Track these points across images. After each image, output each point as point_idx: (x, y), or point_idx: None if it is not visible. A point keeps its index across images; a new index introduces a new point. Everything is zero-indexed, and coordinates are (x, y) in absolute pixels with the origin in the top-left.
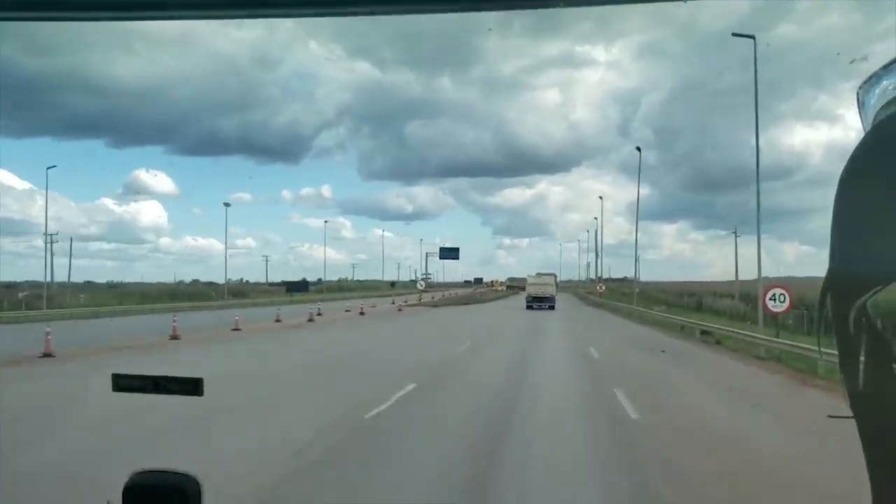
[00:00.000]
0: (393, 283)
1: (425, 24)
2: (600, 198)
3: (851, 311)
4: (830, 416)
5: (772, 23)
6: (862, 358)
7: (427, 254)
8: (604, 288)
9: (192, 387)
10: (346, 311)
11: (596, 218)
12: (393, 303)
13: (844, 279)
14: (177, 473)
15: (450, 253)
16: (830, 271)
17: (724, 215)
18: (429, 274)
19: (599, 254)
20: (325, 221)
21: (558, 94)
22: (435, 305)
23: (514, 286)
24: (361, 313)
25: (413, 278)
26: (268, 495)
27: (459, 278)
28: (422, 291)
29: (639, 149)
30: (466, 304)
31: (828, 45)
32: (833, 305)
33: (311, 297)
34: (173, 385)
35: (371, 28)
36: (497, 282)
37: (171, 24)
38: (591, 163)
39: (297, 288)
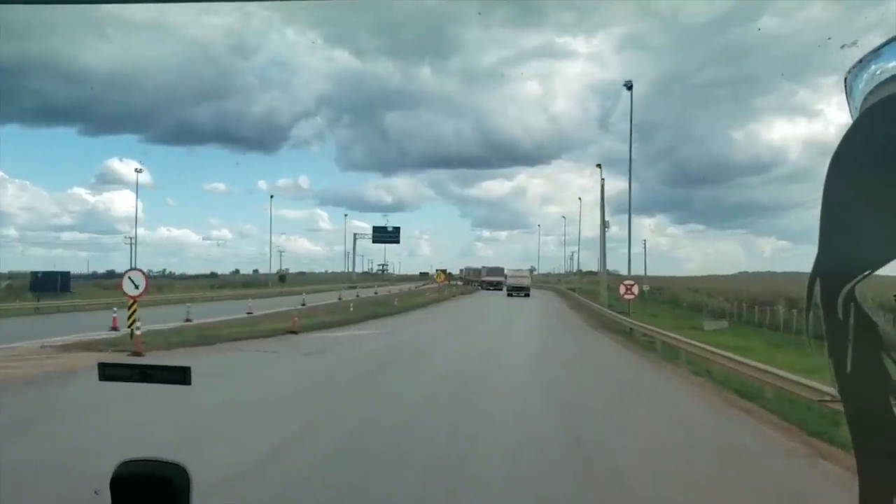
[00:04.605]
0: (282, 277)
1: (405, 13)
2: (598, 165)
3: (840, 296)
4: (820, 401)
5: (753, 15)
6: (850, 342)
7: (356, 235)
8: (636, 292)
9: (179, 375)
10: None
11: (601, 193)
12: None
13: (833, 265)
14: (165, 463)
15: (386, 235)
16: (819, 257)
17: (702, 210)
18: (385, 265)
19: (605, 235)
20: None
21: (538, 85)
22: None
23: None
24: None
25: (368, 269)
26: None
27: (449, 268)
28: (133, 302)
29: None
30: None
31: (808, 39)
32: (822, 291)
33: (73, 302)
34: (161, 373)
35: (349, 15)
36: (441, 273)
37: (145, 9)
38: (571, 155)
39: (44, 285)
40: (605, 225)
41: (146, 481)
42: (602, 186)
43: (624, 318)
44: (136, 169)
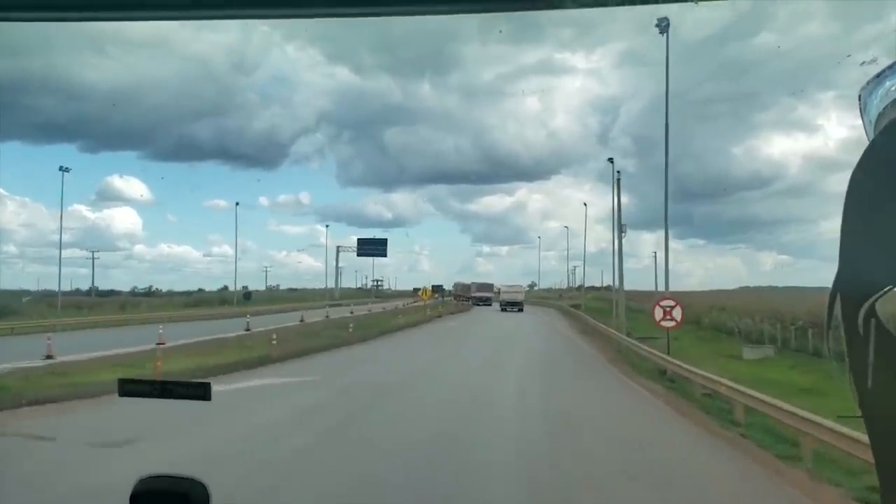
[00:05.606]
0: (247, 295)
1: (405, 29)
2: (610, 160)
3: (860, 312)
4: (840, 417)
5: (752, 31)
6: (871, 359)
7: (339, 248)
8: (679, 317)
9: (200, 391)
10: None
11: (616, 187)
12: None
13: (853, 280)
14: (184, 479)
15: (372, 248)
16: (840, 272)
17: (702, 224)
18: (379, 280)
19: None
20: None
21: (538, 101)
22: None
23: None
24: None
25: (362, 285)
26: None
27: (447, 284)
28: None
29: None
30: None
31: (808, 55)
32: (842, 306)
33: None
34: (181, 389)
35: (350, 32)
36: (425, 290)
37: (145, 26)
38: (570, 171)
39: None
40: (621, 229)
41: (165, 497)
42: (617, 181)
43: (658, 355)
44: (61, 167)
